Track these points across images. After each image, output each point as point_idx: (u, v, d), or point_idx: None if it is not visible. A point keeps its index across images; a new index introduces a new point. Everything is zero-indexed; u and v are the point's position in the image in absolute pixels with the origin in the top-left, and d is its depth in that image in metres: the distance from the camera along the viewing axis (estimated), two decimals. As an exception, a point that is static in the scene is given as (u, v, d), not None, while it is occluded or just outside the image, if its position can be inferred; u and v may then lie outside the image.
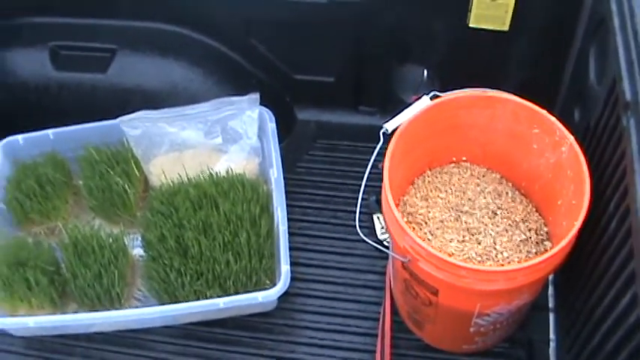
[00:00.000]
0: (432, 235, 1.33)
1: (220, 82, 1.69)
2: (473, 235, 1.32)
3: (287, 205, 1.49)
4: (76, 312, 1.48)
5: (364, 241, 1.26)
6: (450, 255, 1.28)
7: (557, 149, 1.27)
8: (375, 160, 1.21)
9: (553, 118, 1.26)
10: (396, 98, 1.71)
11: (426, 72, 1.64)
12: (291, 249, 1.45)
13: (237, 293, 1.41)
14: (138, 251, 1.52)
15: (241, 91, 1.63)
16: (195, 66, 1.68)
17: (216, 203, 1.45)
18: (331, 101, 1.77)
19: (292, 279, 1.41)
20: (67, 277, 1.45)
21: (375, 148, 1.25)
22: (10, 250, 1.47)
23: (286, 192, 1.52)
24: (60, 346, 1.49)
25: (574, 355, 1.24)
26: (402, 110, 1.27)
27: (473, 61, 1.58)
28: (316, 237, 1.61)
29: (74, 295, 1.46)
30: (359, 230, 1.20)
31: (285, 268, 1.40)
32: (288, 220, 1.47)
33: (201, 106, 1.55)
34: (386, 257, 1.54)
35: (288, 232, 1.45)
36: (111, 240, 1.48)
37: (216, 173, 1.51)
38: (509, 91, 1.32)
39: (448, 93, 1.30)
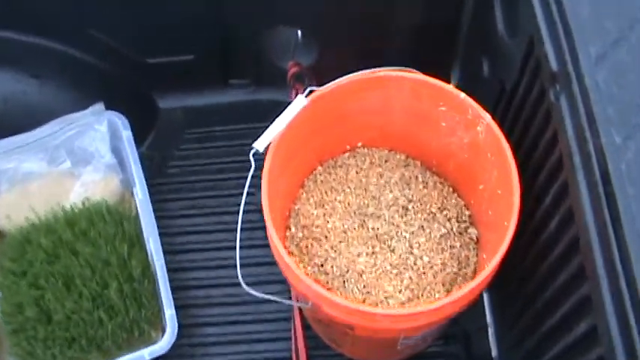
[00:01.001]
0: (335, 251, 1.12)
1: (61, 88, 1.40)
2: (384, 243, 1.13)
3: (162, 225, 1.29)
4: None
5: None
6: (360, 273, 1.09)
7: (471, 129, 1.07)
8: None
9: (463, 95, 1.06)
10: (271, 66, 1.45)
11: (300, 33, 1.37)
12: (173, 280, 1.25)
13: (121, 353, 1.18)
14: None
15: (88, 93, 1.40)
16: (25, 73, 1.38)
17: (74, 249, 1.19)
18: (196, 81, 1.51)
19: (186, 306, 1.26)
20: None
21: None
22: None
23: (160, 201, 1.34)
24: None
25: (518, 332, 1.10)
26: (276, 116, 1.03)
27: (352, 14, 1.34)
28: (201, 251, 1.39)
29: None
30: (243, 284, 0.95)
31: (169, 313, 1.19)
32: (165, 245, 1.26)
33: (37, 131, 1.27)
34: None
35: (167, 265, 1.24)
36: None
37: (71, 207, 1.24)
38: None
39: (330, 83, 1.08)
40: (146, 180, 1.32)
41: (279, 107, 1.04)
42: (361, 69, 1.07)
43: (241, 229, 0.98)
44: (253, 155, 0.98)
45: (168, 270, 1.24)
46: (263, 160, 1.02)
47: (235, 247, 0.96)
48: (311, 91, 1.05)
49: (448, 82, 1.09)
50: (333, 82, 1.06)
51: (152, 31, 1.38)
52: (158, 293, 1.21)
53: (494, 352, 1.24)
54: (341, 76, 1.06)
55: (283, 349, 1.28)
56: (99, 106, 1.28)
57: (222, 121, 1.50)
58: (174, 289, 1.23)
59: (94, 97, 1.39)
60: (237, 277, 1.08)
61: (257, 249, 1.29)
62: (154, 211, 1.30)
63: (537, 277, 1.00)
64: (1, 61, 1.38)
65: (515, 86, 1.05)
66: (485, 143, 1.05)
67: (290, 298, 1.23)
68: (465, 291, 0.94)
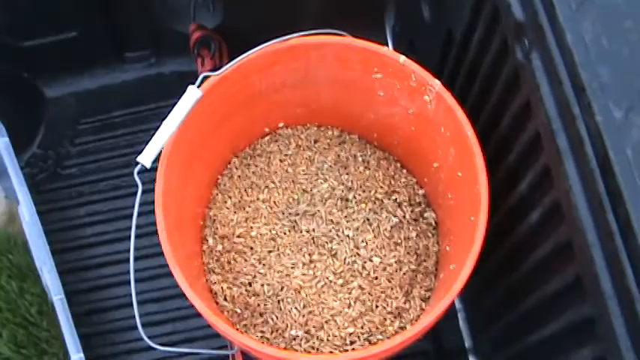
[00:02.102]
0: (263, 265, 0.92)
1: None
2: (323, 247, 0.92)
3: (63, 239, 1.10)
4: None
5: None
6: (297, 290, 0.89)
7: (416, 97, 0.86)
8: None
9: (402, 58, 0.84)
10: (170, 32, 1.22)
11: (197, -11, 1.14)
12: (78, 304, 1.04)
13: None
14: None
15: None
16: None
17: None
18: (85, 61, 1.26)
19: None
20: None
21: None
22: None
23: (58, 210, 1.14)
24: None
25: (492, 310, 0.91)
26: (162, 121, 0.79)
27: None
28: (110, 264, 1.16)
29: None
30: (144, 336, 0.73)
31: (77, 357, 0.95)
32: (67, 264, 1.07)
33: None
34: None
35: (70, 286, 1.03)
36: None
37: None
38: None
39: (229, 64, 0.84)
40: (38, 188, 1.14)
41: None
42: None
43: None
44: (139, 173, 0.73)
45: (72, 292, 1.03)
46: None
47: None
48: (205, 78, 0.81)
49: (384, 43, 0.85)
50: (232, 62, 0.84)
51: (23, 8, 1.15)
52: (60, 332, 0.97)
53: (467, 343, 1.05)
54: (253, 38, 0.82)
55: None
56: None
57: (121, 104, 1.26)
58: (81, 315, 1.04)
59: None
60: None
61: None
62: (53, 222, 1.11)
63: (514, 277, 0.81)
64: None
65: (467, 36, 0.83)
66: (437, 115, 0.84)
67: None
68: (422, 325, 0.73)
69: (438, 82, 0.82)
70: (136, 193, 0.81)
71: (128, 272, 1.09)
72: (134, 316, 1.06)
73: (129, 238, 1.10)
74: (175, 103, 0.79)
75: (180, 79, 1.15)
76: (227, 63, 0.82)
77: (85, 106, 1.28)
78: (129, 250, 1.09)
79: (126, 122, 1.25)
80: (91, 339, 1.09)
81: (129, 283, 1.08)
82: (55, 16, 1.17)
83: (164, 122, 0.78)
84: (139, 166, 0.75)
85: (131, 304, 1.03)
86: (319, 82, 0.92)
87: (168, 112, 0.78)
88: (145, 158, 0.75)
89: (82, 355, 0.96)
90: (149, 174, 0.77)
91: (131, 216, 1.09)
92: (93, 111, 1.27)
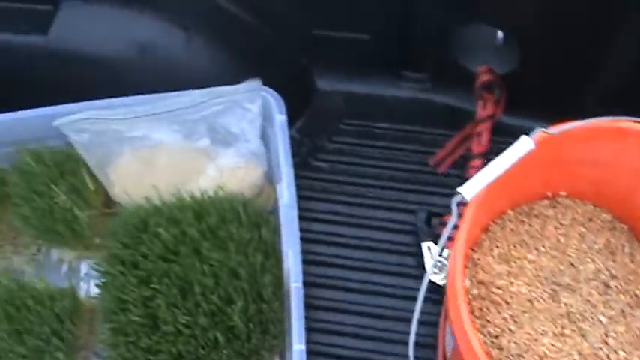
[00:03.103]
0: (515, 322, 0.90)
1: (210, 49, 1.18)
2: (575, 324, 0.90)
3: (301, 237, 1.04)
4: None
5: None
6: (541, 357, 0.87)
7: None
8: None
9: None
10: (455, 64, 1.22)
11: (500, 34, 1.14)
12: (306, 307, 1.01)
13: None
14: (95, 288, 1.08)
15: (240, 61, 1.21)
16: (171, 22, 1.17)
17: (198, 250, 0.98)
18: (365, 65, 1.28)
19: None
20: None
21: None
22: None
23: (299, 199, 1.07)
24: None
25: None
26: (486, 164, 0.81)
27: (573, 22, 1.08)
28: (338, 267, 1.18)
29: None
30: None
31: (298, 347, 0.96)
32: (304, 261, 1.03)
33: (176, 99, 1.06)
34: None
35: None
36: (58, 296, 1.06)
37: (201, 195, 1.03)
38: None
39: (560, 126, 0.85)
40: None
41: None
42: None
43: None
44: (457, 204, 0.75)
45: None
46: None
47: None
48: (537, 132, 0.82)
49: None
50: (563, 126, 0.84)
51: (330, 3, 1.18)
52: (287, 319, 1.01)
53: None
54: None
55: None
56: (255, 83, 1.06)
57: (386, 117, 1.27)
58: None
59: (245, 67, 1.20)
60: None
61: (408, 279, 1.12)
62: (295, 211, 1.11)
63: None
64: (143, 2, 1.18)
65: None
66: None
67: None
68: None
69: None
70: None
71: (352, 280, 1.12)
72: (359, 325, 1.09)
73: (361, 247, 1.13)
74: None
75: (449, 112, 1.16)
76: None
77: (351, 108, 1.30)
78: (356, 258, 1.12)
79: (387, 136, 1.26)
80: (311, 334, 1.10)
81: (352, 290, 1.12)
82: (352, 13, 1.20)
83: (491, 163, 0.79)
84: (459, 197, 0.77)
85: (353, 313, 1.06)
86: (623, 168, 0.92)
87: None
88: (467, 192, 0.76)
89: (304, 347, 0.97)
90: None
91: (370, 228, 1.12)
92: (358, 115, 1.28)
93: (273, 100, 1.10)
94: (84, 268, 1.18)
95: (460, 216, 0.78)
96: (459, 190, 0.77)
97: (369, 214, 1.20)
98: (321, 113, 1.28)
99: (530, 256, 0.95)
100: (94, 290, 1.08)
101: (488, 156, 1.14)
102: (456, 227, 0.77)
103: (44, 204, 1.09)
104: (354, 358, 1.11)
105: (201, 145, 1.09)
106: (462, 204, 0.77)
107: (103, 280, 1.05)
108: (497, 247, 0.96)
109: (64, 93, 1.11)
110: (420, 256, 1.14)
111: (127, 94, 1.10)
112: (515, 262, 0.94)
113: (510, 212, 0.98)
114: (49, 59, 1.19)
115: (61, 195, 1.08)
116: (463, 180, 0.82)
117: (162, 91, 1.10)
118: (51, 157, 1.13)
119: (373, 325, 1.13)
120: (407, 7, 1.14)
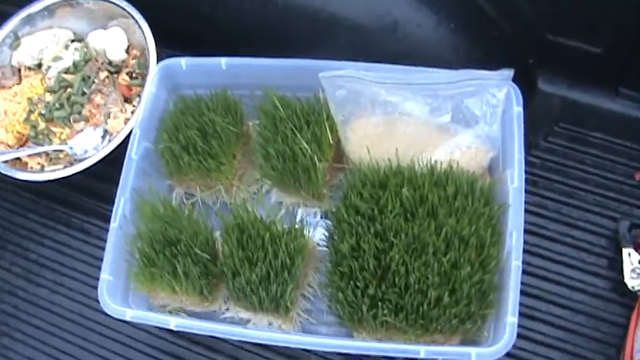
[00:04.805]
0: None
1: (454, 30, 1.26)
2: None
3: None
4: (228, 309, 1.21)
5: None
6: None
7: None
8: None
9: None
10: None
11: None
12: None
13: (446, 342, 1.09)
14: (318, 235, 1.18)
15: (478, 44, 1.29)
16: (425, 4, 1.25)
17: (435, 214, 1.06)
18: (586, 76, 1.34)
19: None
20: (224, 271, 1.10)
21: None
22: (157, 224, 1.13)
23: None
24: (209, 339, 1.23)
25: None
26: None
27: None
28: (545, 259, 1.26)
29: (230, 292, 1.15)
30: None
31: (511, 320, 1.03)
32: None
33: (434, 76, 1.13)
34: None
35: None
36: (288, 230, 1.14)
37: (440, 166, 1.11)
38: None
39: None
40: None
41: None
42: None
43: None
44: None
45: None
46: None
47: None
48: None
49: None
50: None
51: (568, 8, 1.24)
52: (503, 294, 1.07)
53: None
54: None
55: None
56: (508, 72, 1.12)
57: (600, 128, 1.34)
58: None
59: (482, 55, 1.29)
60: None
61: (599, 278, 1.22)
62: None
63: None
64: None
65: None
66: None
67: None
68: None
69: None
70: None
71: (549, 271, 1.19)
72: (550, 313, 1.15)
73: (561, 242, 1.20)
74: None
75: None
76: None
77: (567, 113, 1.36)
78: (555, 251, 1.19)
79: (598, 145, 1.32)
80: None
81: (548, 280, 1.18)
82: (592, 27, 1.26)
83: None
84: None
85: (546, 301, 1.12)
86: None
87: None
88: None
89: (516, 320, 1.03)
90: None
91: (574, 228, 1.19)
92: (573, 120, 1.35)
93: (514, 93, 1.16)
94: (300, 214, 1.25)
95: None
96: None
97: (573, 213, 1.27)
98: (539, 113, 1.35)
99: None
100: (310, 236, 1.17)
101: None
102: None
103: (287, 147, 1.17)
104: (543, 343, 1.20)
105: (443, 121, 1.15)
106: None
107: (335, 226, 1.12)
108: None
109: (317, 50, 1.19)
110: (615, 260, 1.22)
111: (376, 62, 1.18)
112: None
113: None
114: (310, 17, 1.27)
115: (303, 142, 1.16)
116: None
117: (407, 65, 1.17)
118: (299, 105, 1.21)
119: (563, 316, 1.21)
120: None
